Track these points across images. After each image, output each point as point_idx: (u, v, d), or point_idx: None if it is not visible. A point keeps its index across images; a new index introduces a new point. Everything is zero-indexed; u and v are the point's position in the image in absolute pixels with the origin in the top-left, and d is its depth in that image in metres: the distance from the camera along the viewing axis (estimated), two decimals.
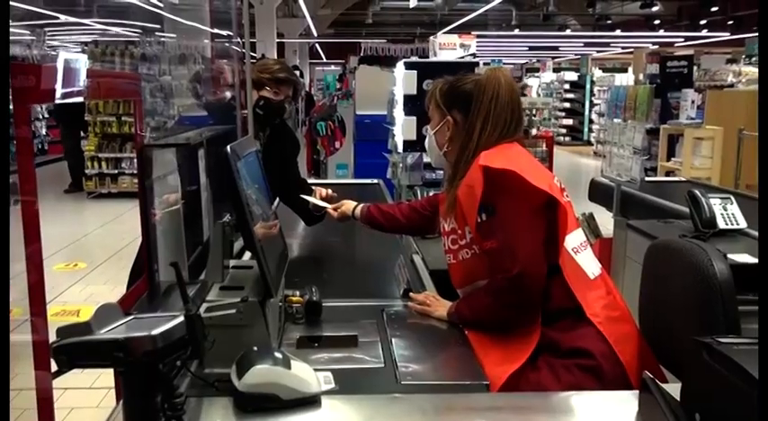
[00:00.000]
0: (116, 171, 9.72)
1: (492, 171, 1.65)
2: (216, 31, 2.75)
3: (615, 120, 4.62)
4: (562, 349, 1.64)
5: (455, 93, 1.84)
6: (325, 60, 29.03)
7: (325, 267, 2.48)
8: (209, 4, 2.78)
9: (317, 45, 26.78)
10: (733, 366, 0.99)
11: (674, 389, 1.17)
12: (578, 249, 1.74)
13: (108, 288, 5.34)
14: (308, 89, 19.22)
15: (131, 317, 1.00)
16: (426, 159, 4.62)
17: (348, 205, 2.29)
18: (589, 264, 1.75)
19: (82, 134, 9.85)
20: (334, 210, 2.30)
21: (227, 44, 2.78)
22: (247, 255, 2.23)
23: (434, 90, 1.89)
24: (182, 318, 0.98)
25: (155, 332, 0.93)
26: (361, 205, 2.27)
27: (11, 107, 0.84)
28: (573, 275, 1.69)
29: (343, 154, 7.97)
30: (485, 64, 3.89)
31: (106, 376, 3.62)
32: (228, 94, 2.60)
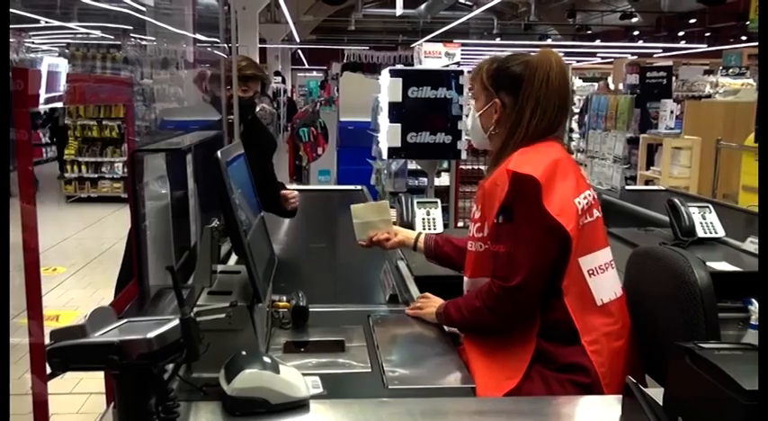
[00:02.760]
0: (96, 175, 9.66)
1: (518, 176, 1.59)
2: (200, 36, 2.76)
3: (596, 129, 4.69)
4: (557, 363, 1.61)
5: (503, 73, 1.73)
6: (307, 66, 29.03)
7: (310, 273, 2.49)
8: (193, 9, 2.79)
9: (299, 51, 26.77)
10: (715, 371, 1.01)
11: (656, 393, 1.20)
12: (596, 271, 1.66)
13: (87, 293, 5.29)
14: (290, 95, 19.19)
15: (125, 320, 1.01)
16: (411, 166, 4.65)
17: (407, 234, 2.06)
18: (603, 288, 1.67)
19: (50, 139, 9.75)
20: (386, 240, 2.04)
21: (212, 49, 2.79)
22: (232, 260, 2.23)
23: (481, 70, 1.78)
24: (176, 322, 0.98)
25: (150, 335, 0.94)
26: (425, 234, 2.04)
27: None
28: (576, 299, 1.63)
29: (326, 160, 7.98)
30: (468, 72, 3.94)
31: (87, 381, 3.60)
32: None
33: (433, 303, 1.84)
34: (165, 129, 2.22)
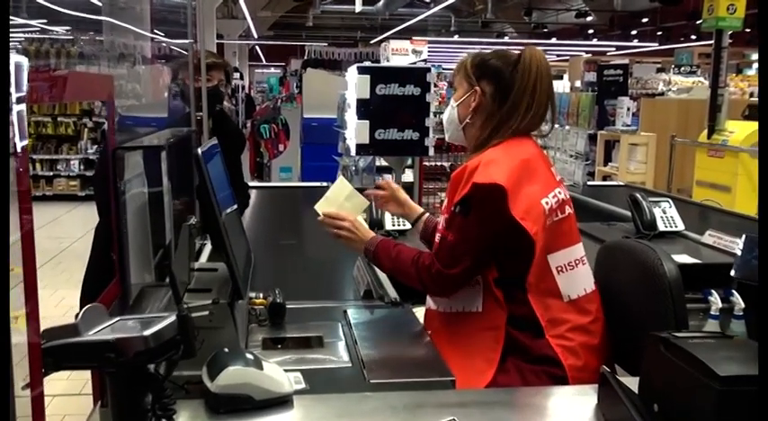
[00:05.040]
0: (51, 173, 9.43)
1: (480, 186, 1.61)
2: (160, 31, 2.74)
3: (557, 125, 4.78)
4: (531, 354, 1.63)
5: (487, 64, 1.77)
6: (264, 62, 28.75)
7: (282, 270, 2.48)
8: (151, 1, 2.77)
9: (256, 47, 26.50)
10: (690, 358, 1.06)
11: (630, 382, 1.24)
12: (565, 268, 1.69)
13: (47, 293, 5.17)
14: (247, 91, 18.98)
15: (117, 318, 1.00)
16: (379, 163, 4.67)
17: (413, 208, 2.08)
18: (572, 285, 1.70)
19: None
20: (385, 201, 2.08)
21: (176, 44, 2.76)
22: (203, 257, 2.22)
23: (465, 62, 1.81)
24: (172, 319, 0.98)
25: (147, 332, 0.94)
26: (428, 215, 2.05)
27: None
28: (541, 296, 1.66)
29: (288, 157, 7.94)
30: (434, 66, 3.99)
31: (50, 384, 3.53)
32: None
33: (362, 236, 1.83)
34: (127, 126, 2.19)
